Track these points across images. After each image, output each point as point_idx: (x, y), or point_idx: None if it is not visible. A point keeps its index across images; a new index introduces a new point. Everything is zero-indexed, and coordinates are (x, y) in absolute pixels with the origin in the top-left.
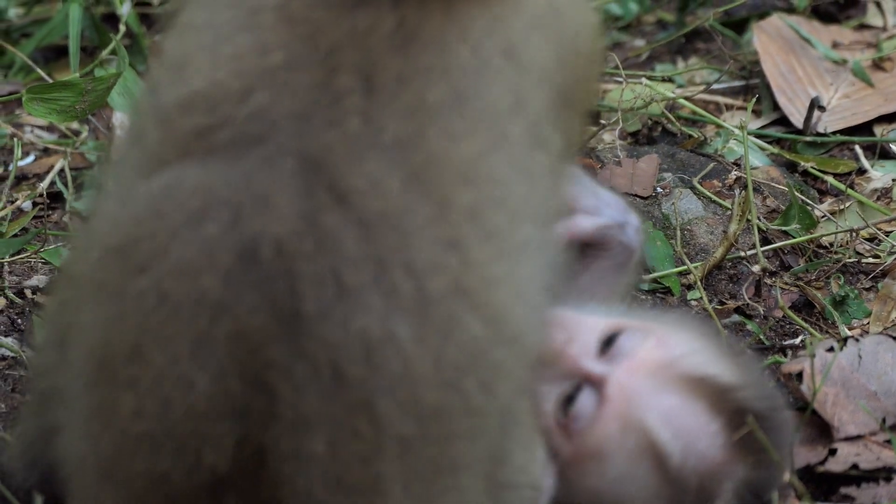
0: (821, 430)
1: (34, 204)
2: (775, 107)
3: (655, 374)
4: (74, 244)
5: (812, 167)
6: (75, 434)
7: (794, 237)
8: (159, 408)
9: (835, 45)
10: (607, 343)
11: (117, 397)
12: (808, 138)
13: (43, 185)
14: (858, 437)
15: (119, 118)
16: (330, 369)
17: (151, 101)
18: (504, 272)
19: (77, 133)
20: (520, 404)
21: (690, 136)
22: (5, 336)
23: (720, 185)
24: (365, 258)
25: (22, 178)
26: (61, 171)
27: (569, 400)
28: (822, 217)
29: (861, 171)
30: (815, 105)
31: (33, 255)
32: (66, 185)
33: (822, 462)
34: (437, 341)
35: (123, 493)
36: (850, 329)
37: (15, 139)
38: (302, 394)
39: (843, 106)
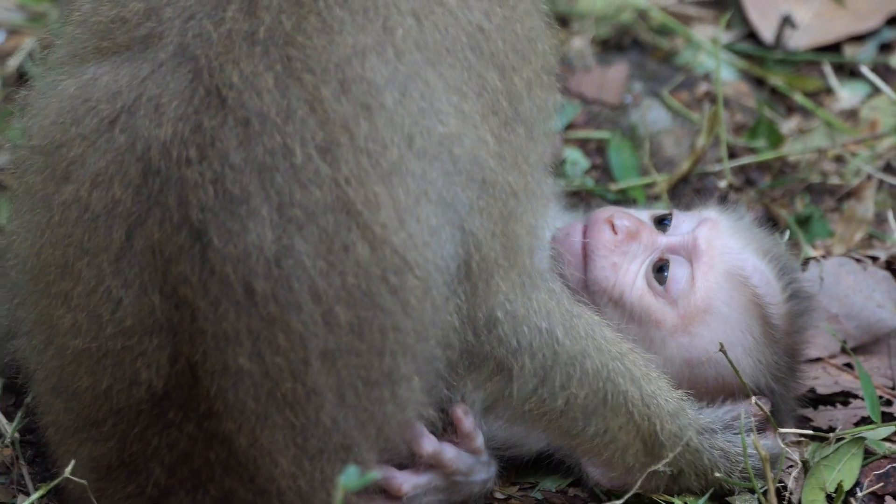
0: None
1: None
2: (745, 21)
3: (733, 235)
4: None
5: (781, 84)
6: (26, 344)
7: (760, 153)
8: (91, 323)
9: None
10: (659, 222)
11: (53, 312)
12: (779, 55)
13: (12, 65)
14: (818, 360)
15: None
16: (241, 284)
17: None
18: (383, 193)
19: (44, 14)
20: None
21: (660, 47)
22: None
23: (689, 97)
24: (248, 163)
25: None
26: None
27: (659, 268)
28: (789, 135)
29: (829, 91)
30: (786, 22)
31: None
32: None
33: None
34: (335, 258)
35: (74, 407)
36: (813, 248)
37: None
38: (218, 308)
39: (814, 24)
